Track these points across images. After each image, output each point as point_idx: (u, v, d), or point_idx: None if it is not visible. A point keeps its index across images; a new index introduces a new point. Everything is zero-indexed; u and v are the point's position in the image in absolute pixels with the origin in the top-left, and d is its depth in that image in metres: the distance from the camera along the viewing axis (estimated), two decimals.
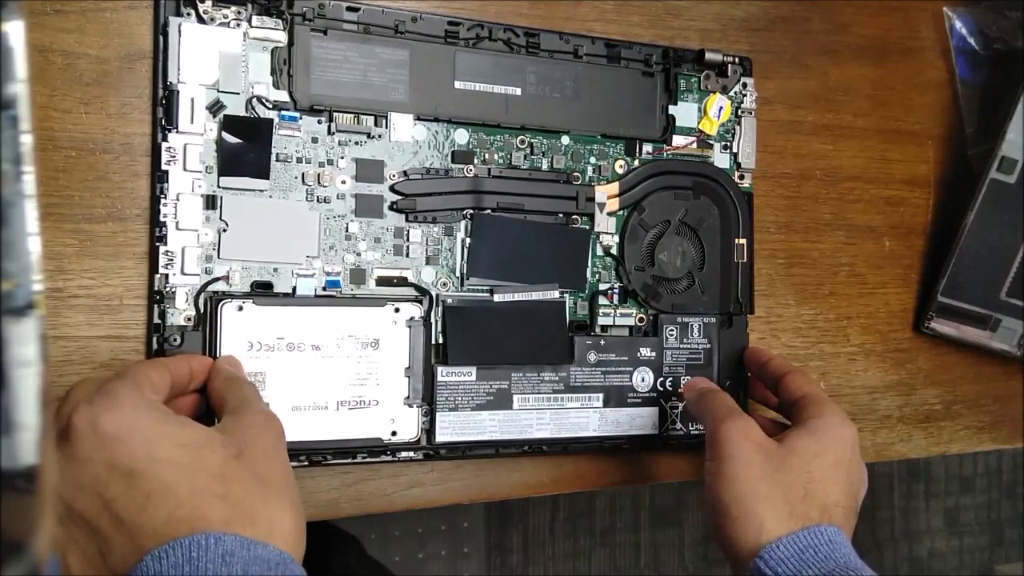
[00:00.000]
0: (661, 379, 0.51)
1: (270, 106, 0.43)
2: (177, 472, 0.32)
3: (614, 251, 0.50)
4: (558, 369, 0.48)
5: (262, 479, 0.33)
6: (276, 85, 0.44)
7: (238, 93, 0.43)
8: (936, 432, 0.61)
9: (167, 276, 0.41)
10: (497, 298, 0.47)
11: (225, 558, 0.30)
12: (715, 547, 1.48)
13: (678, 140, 0.52)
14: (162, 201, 0.41)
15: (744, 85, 0.53)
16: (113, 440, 0.32)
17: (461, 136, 0.47)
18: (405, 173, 0.46)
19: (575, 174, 0.49)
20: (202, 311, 0.42)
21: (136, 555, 0.31)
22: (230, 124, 0.42)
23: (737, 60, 0.53)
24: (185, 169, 0.42)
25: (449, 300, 0.47)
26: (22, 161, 0.23)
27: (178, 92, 0.42)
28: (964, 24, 0.62)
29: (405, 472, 0.47)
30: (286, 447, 0.36)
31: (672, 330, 0.51)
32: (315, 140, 0.44)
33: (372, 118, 0.45)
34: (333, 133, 0.45)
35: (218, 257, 0.42)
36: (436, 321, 0.46)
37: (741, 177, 0.53)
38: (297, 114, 0.44)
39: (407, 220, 0.46)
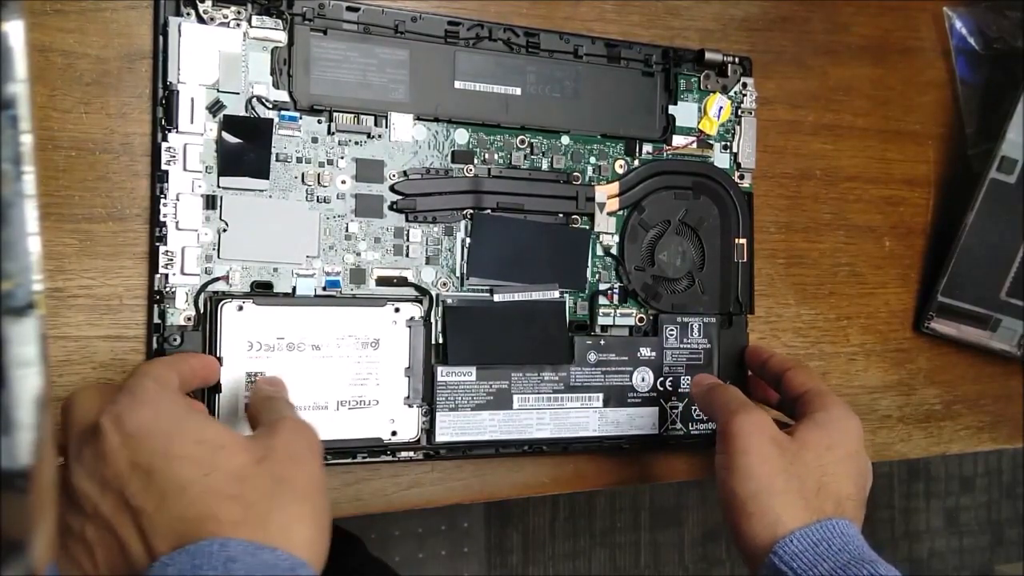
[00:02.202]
0: (661, 379, 0.51)
1: (270, 106, 0.43)
2: (193, 469, 0.32)
3: (614, 251, 0.50)
4: (558, 369, 0.48)
5: (282, 484, 0.33)
6: (276, 85, 0.44)
7: (238, 93, 0.43)
8: (936, 432, 0.61)
9: (167, 276, 0.41)
10: (497, 298, 0.47)
11: (227, 564, 0.29)
12: (715, 547, 1.48)
13: (678, 140, 0.52)
14: (162, 201, 0.41)
15: (744, 85, 0.53)
16: (135, 438, 0.32)
17: (461, 136, 0.47)
18: (405, 173, 0.46)
19: (575, 174, 0.49)
20: (202, 311, 0.42)
21: (148, 557, 0.31)
22: (230, 124, 0.42)
23: (737, 60, 0.53)
24: (185, 169, 0.42)
25: (449, 300, 0.47)
26: (22, 161, 0.23)
27: (178, 92, 0.42)
28: (964, 24, 0.62)
29: (405, 472, 0.47)
30: (319, 455, 0.35)
31: (672, 330, 0.51)
32: (315, 140, 0.44)
33: (372, 118, 0.45)
34: (333, 133, 0.45)
35: (218, 257, 0.42)
36: (436, 321, 0.46)
37: (741, 177, 0.53)
38: (297, 114, 0.44)
39: (407, 220, 0.46)
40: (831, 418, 0.44)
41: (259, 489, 0.32)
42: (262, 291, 0.43)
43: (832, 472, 0.43)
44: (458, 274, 0.47)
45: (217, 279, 0.42)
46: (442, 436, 0.46)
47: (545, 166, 0.49)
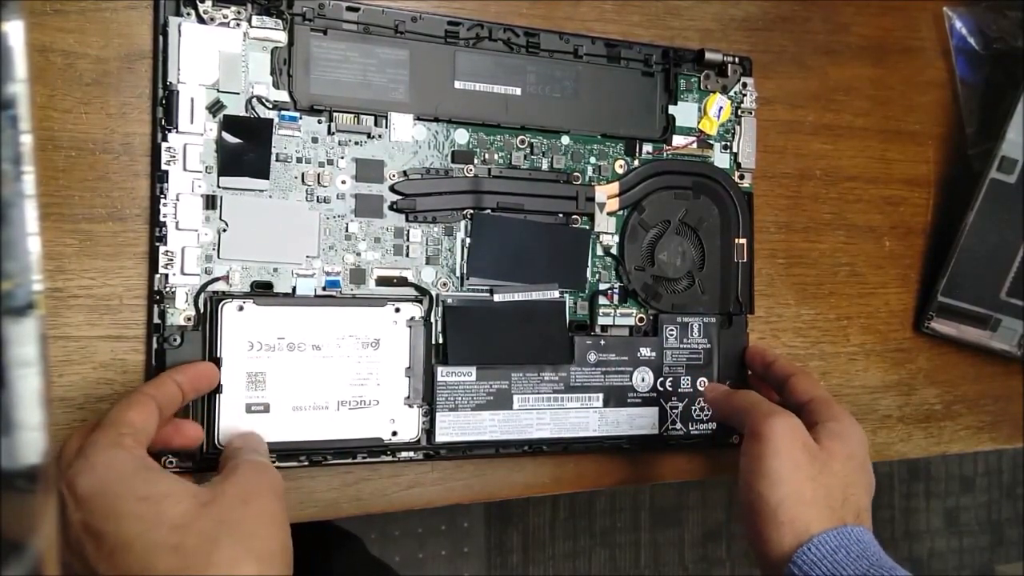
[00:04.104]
0: (661, 379, 0.51)
1: (270, 106, 0.43)
2: (136, 526, 0.32)
3: (614, 251, 0.50)
4: (558, 369, 0.48)
5: (225, 524, 0.33)
6: (276, 85, 0.44)
7: (238, 93, 0.43)
8: (936, 432, 0.61)
9: (167, 276, 0.41)
10: (497, 298, 0.47)
11: None
12: (715, 547, 1.48)
13: (678, 140, 0.52)
14: (162, 201, 0.41)
15: (744, 85, 0.53)
16: (85, 501, 0.33)
17: (461, 136, 0.47)
18: (405, 173, 0.46)
19: (575, 174, 0.49)
20: (202, 311, 0.42)
21: None
22: (230, 124, 0.42)
23: (737, 60, 0.53)
24: (185, 169, 0.42)
25: (449, 300, 0.47)
26: (22, 161, 0.23)
27: (178, 92, 0.42)
28: (964, 24, 0.62)
29: (405, 472, 0.47)
30: (276, 492, 0.36)
31: (672, 330, 0.51)
32: (315, 140, 0.44)
33: (372, 118, 0.45)
34: (333, 133, 0.45)
35: (218, 257, 0.42)
36: (436, 321, 0.46)
37: (741, 177, 0.53)
38: (297, 114, 0.44)
39: (407, 220, 0.46)
40: (843, 429, 0.44)
41: (200, 534, 0.33)
42: (262, 291, 0.43)
43: (852, 483, 0.43)
44: (458, 274, 0.47)
45: (217, 279, 0.42)
46: (442, 436, 0.46)
47: (545, 166, 0.49)
